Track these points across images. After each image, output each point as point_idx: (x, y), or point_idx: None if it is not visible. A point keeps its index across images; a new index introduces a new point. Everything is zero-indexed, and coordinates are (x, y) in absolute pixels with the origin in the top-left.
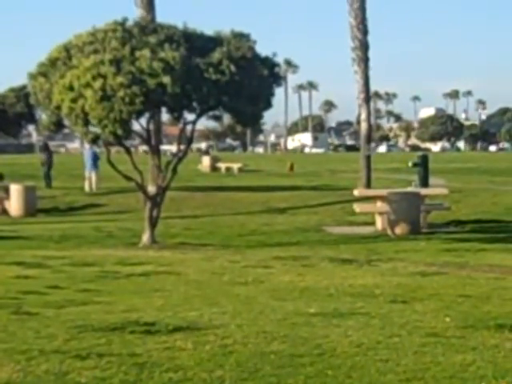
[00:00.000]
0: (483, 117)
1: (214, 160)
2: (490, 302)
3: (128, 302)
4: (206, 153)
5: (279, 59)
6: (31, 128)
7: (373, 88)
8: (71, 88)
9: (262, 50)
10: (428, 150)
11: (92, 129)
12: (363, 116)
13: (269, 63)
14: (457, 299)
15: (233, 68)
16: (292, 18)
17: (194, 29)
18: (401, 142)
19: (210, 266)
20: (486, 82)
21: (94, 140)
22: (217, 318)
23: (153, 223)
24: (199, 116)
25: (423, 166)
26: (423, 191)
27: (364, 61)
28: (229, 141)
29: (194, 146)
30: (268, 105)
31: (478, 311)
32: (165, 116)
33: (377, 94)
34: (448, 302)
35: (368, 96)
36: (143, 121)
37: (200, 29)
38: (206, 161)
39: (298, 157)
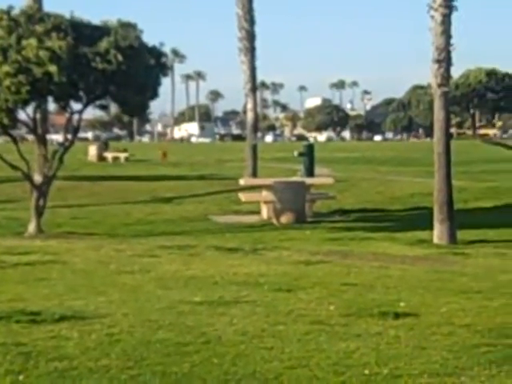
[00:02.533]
0: (368, 107)
1: (101, 149)
2: (374, 290)
3: (14, 291)
4: (105, 144)
5: (166, 49)
6: None
7: (259, 78)
8: None
9: (149, 39)
10: (313, 139)
11: None
12: (249, 106)
13: (156, 53)
14: (341, 287)
15: (120, 57)
16: (179, 8)
17: (81, 18)
18: (287, 131)
19: (97, 255)
20: (372, 72)
21: None
22: (103, 307)
23: (39, 212)
24: (86, 105)
25: (309, 155)
26: (308, 180)
27: (250, 51)
28: (116, 130)
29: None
30: (154, 94)
31: (362, 299)
32: (51, 105)
33: (263, 84)
34: (332, 290)
35: (254, 86)
36: (29, 110)
37: (87, 18)
38: (92, 150)
39: (185, 146)
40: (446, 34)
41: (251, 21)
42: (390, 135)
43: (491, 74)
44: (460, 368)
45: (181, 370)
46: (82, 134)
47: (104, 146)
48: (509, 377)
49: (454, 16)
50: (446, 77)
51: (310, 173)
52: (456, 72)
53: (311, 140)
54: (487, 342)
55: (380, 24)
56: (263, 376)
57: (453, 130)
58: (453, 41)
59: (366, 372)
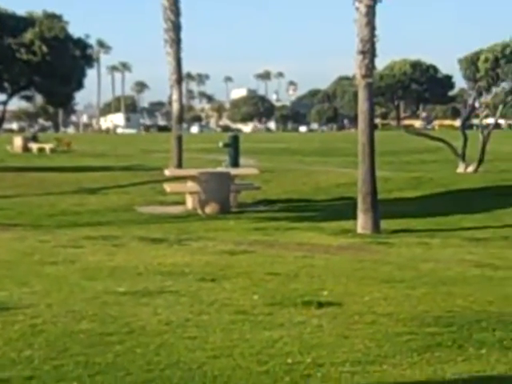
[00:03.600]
0: (294, 98)
1: (26, 140)
2: (298, 279)
3: None
4: (34, 138)
5: (92, 40)
6: None
7: (185, 69)
8: None
9: (75, 30)
10: (239, 130)
11: None
12: (175, 97)
13: (81, 44)
14: (265, 277)
15: (45, 49)
16: (105, 0)
17: (6, 9)
18: (213, 122)
19: (21, 246)
20: (297, 63)
21: None
22: (26, 297)
23: None
24: (10, 96)
25: (234, 146)
26: (233, 171)
27: (176, 42)
28: (41, 121)
29: (7, 126)
30: (80, 85)
31: (286, 289)
32: None
33: (189, 75)
34: (256, 279)
35: (180, 77)
36: None
37: (12, 9)
38: (17, 141)
39: (110, 137)
40: (371, 25)
41: (177, 12)
42: (315, 126)
43: (416, 65)
44: (382, 356)
45: (104, 360)
46: (6, 125)
47: (32, 139)
48: (430, 364)
49: (379, 7)
50: (371, 68)
51: (235, 163)
52: (381, 63)
53: (245, 129)
54: (409, 330)
55: (306, 15)
56: (187, 365)
57: (377, 121)
58: (377, 32)
59: (289, 361)
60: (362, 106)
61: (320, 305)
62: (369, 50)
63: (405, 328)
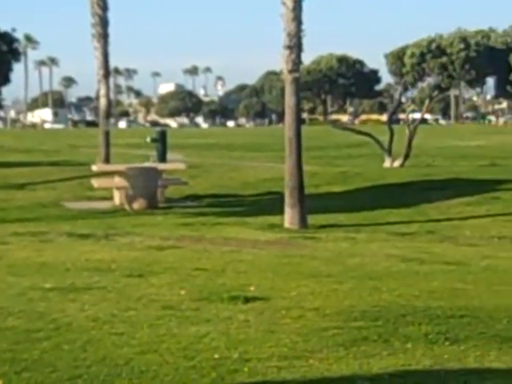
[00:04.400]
0: (222, 93)
1: None
2: (225, 274)
3: None
4: None
5: (19, 34)
6: None
7: (113, 64)
8: None
9: (1, 25)
10: (167, 125)
11: None
12: (102, 92)
13: (7, 38)
14: (192, 272)
15: None
16: None
17: None
18: (141, 117)
19: None
20: (225, 58)
21: None
22: None
23: None
24: None
25: (161, 141)
26: (161, 166)
27: (103, 37)
28: None
29: None
30: (6, 80)
31: (213, 284)
32: None
33: (117, 70)
34: (183, 275)
35: (107, 72)
36: None
37: None
38: None
39: (38, 132)
40: (297, 20)
41: (104, 7)
42: (243, 121)
43: (342, 60)
44: (309, 351)
45: (31, 357)
46: None
47: None
48: (356, 359)
49: (306, 2)
50: (297, 63)
51: (162, 159)
52: (308, 58)
53: (173, 124)
54: (335, 324)
55: (233, 9)
56: (113, 362)
57: (305, 116)
58: (304, 27)
59: (216, 356)
60: (289, 100)
61: (247, 300)
62: (295, 45)
63: (331, 322)
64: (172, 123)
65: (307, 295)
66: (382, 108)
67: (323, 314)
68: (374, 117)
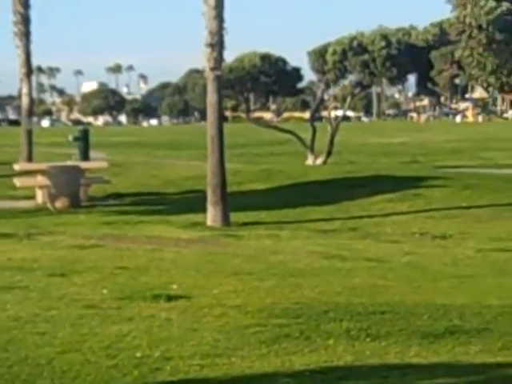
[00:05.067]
0: (144, 91)
1: None
2: (147, 273)
3: None
4: None
5: None
6: None
7: (36, 62)
8: None
9: None
10: (90, 124)
11: None
12: (25, 90)
13: None
14: (114, 271)
15: None
16: None
17: None
18: (64, 116)
19: None
20: (148, 56)
21: None
22: None
23: None
24: None
25: (84, 139)
26: (83, 165)
27: (26, 35)
28: None
29: None
30: None
31: (135, 282)
32: None
33: (40, 69)
34: (106, 273)
35: (30, 70)
36: None
37: None
38: None
39: None
40: (219, 17)
41: (26, 4)
42: (166, 119)
43: (265, 57)
44: (231, 349)
45: None
46: None
47: None
48: (278, 356)
49: (228, 0)
50: (219, 60)
51: (85, 157)
52: (230, 56)
53: (96, 123)
54: (257, 322)
55: (155, 7)
56: (35, 361)
57: (228, 114)
58: (226, 25)
59: (138, 355)
60: (211, 98)
61: (169, 298)
62: (217, 43)
63: (253, 320)
64: (95, 121)
65: (229, 293)
66: (304, 105)
67: (245, 312)
68: (297, 114)
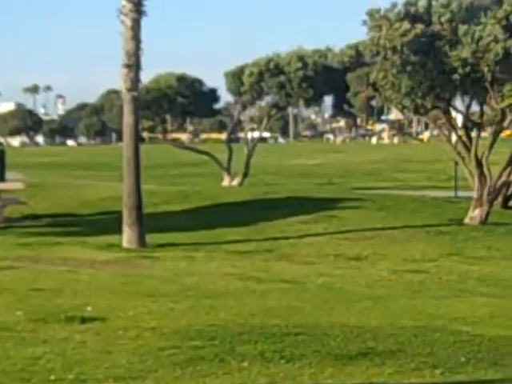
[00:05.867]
0: (62, 112)
1: None
2: (62, 294)
3: None
4: None
5: None
6: None
7: None
8: None
9: None
10: (6, 144)
11: None
12: None
13: None
14: (29, 293)
15: None
16: None
17: None
18: None
19: None
20: (65, 77)
21: None
22: None
23: None
24: None
25: (0, 160)
26: None
27: None
28: None
29: None
30: None
31: (50, 304)
32: None
33: None
34: (20, 295)
35: None
36: None
37: None
38: None
39: None
40: (136, 38)
41: None
42: (83, 140)
43: (181, 78)
44: (145, 371)
45: None
46: None
47: None
48: (192, 378)
49: (144, 20)
50: (136, 81)
51: (0, 178)
52: (147, 76)
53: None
54: (172, 344)
55: (72, 27)
56: None
57: (145, 135)
58: (143, 45)
59: (52, 378)
60: (127, 119)
61: (83, 320)
62: (134, 64)
63: (168, 342)
64: (13, 142)
65: (144, 315)
66: (222, 127)
67: (160, 334)
68: (214, 135)
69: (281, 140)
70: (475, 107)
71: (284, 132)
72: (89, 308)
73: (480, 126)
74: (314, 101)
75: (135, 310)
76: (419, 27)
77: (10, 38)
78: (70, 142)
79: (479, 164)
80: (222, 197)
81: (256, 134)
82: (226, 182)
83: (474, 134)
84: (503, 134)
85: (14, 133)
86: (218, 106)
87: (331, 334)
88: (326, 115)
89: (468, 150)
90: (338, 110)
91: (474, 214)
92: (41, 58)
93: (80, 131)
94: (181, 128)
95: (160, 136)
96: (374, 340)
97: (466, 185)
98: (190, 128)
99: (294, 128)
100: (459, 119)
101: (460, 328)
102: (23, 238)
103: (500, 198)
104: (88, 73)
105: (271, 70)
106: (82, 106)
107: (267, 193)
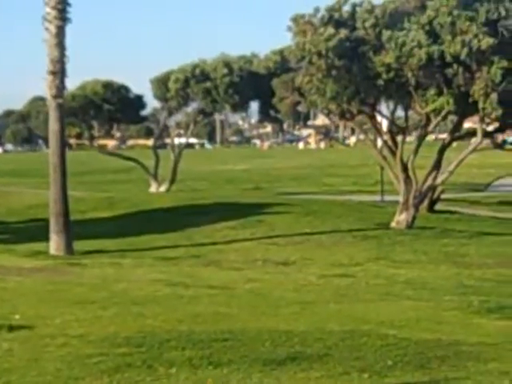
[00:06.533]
0: None
1: None
2: None
3: None
4: None
5: None
6: None
7: None
8: None
9: None
10: None
11: None
12: None
13: None
14: None
15: None
16: None
17: None
18: None
19: None
20: None
21: None
22: None
23: None
24: None
25: None
26: None
27: None
28: None
29: None
30: None
31: None
32: None
33: None
34: None
35: None
36: None
37: None
38: None
39: None
40: (61, 45)
41: None
42: (10, 147)
43: (107, 85)
44: (73, 378)
45: None
46: None
47: None
48: None
49: (69, 28)
50: (61, 88)
51: None
52: (73, 83)
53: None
54: (100, 351)
55: None
56: None
57: (72, 141)
58: (68, 52)
59: None
60: (54, 126)
61: (11, 328)
62: (59, 71)
63: (96, 349)
64: None
65: (72, 322)
66: (149, 133)
67: (87, 341)
68: (142, 142)
69: (208, 146)
70: (400, 112)
71: (211, 138)
72: (17, 316)
73: (405, 131)
74: (240, 106)
75: (63, 318)
76: (343, 32)
77: None
78: None
79: (405, 168)
80: (150, 203)
81: (183, 140)
82: (153, 189)
83: (399, 138)
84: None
85: None
86: (144, 112)
87: (259, 339)
88: (253, 121)
89: (394, 154)
90: (265, 115)
91: (401, 218)
92: None
93: (7, 138)
94: (108, 134)
95: (87, 142)
96: (301, 345)
97: (393, 189)
98: (117, 134)
99: (221, 134)
100: (385, 124)
101: (387, 332)
102: None
103: (426, 202)
104: (14, 79)
105: (197, 76)
106: (8, 113)
107: (194, 199)
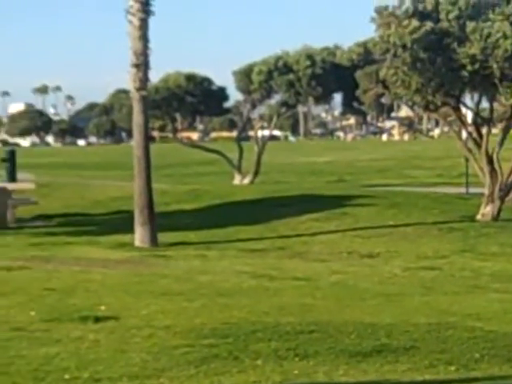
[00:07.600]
0: (72, 112)
1: None
2: (75, 294)
3: None
4: None
5: None
6: None
7: None
8: None
9: None
10: (17, 144)
11: None
12: None
13: None
14: (42, 293)
15: None
16: None
17: None
18: None
19: None
20: (75, 77)
21: None
22: None
23: None
24: None
25: (11, 160)
26: (10, 186)
27: None
28: None
29: None
30: None
31: (63, 304)
32: None
33: None
34: (34, 295)
35: None
36: None
37: None
38: None
39: None
40: (144, 38)
41: None
42: (93, 139)
43: (190, 77)
44: (159, 369)
45: None
46: None
47: None
48: (207, 376)
49: (152, 20)
50: (144, 81)
51: (12, 178)
52: (156, 76)
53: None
54: (186, 342)
55: (81, 27)
56: None
57: (156, 134)
58: (151, 45)
59: (67, 377)
60: (137, 118)
61: (97, 319)
62: (143, 63)
63: (182, 340)
64: (23, 142)
65: (158, 313)
66: (231, 125)
67: (174, 332)
68: (225, 134)
69: (291, 138)
70: (485, 104)
71: (294, 130)
72: (102, 307)
73: (490, 123)
74: (324, 99)
75: (149, 309)
76: (428, 24)
77: (19, 38)
78: (81, 142)
79: (490, 160)
80: (234, 195)
81: (266, 133)
82: (236, 181)
83: (484, 130)
84: None
85: (24, 133)
86: (227, 104)
87: (345, 331)
88: (336, 113)
89: (478, 146)
90: (348, 107)
91: (486, 211)
92: (50, 58)
93: (90, 131)
94: (191, 127)
95: (170, 135)
96: (387, 337)
97: (477, 181)
98: (201, 127)
99: (304, 126)
100: (469, 116)
101: (473, 324)
102: (35, 238)
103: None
104: (97, 72)
105: (280, 68)
106: (91, 106)
107: (278, 191)
